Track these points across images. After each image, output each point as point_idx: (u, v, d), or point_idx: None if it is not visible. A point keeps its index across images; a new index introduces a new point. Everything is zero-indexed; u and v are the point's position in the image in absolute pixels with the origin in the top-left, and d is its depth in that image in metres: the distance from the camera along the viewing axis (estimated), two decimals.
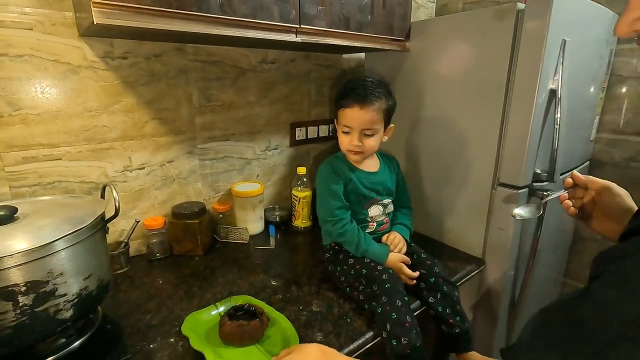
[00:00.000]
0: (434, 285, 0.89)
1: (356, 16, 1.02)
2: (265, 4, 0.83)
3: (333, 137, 1.51)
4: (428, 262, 0.92)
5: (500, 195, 1.02)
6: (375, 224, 1.00)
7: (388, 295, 0.80)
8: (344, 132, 0.93)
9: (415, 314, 0.84)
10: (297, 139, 1.40)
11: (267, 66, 1.25)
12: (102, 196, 0.74)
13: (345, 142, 0.93)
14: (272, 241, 1.20)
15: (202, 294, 0.90)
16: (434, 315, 0.88)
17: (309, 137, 1.44)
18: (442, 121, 1.13)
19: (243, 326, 0.71)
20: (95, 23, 0.64)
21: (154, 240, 1.07)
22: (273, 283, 0.96)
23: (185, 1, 0.72)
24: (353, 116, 0.89)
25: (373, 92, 0.90)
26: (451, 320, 0.85)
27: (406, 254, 0.95)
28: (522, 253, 1.08)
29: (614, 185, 0.68)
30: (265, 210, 1.35)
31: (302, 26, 0.91)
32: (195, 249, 1.10)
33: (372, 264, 0.89)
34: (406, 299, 0.81)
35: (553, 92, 0.94)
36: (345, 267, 0.92)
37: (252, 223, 1.24)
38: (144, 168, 1.07)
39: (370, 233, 0.99)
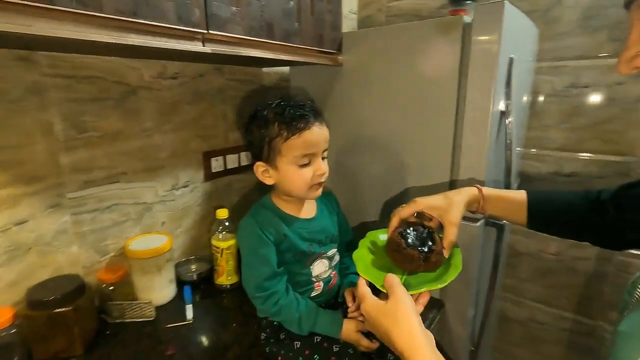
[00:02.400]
0: None
1: (281, 23, 0.81)
2: None
3: None
4: None
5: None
6: (322, 283, 0.79)
7: None
8: (302, 166, 0.70)
9: None
10: (213, 171, 1.13)
11: (167, 82, 0.97)
12: None
13: (308, 175, 0.70)
14: (189, 312, 0.91)
15: None
16: None
17: (228, 167, 1.18)
18: (384, 144, 0.99)
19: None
20: None
21: None
22: None
23: None
24: (314, 138, 0.69)
25: (313, 105, 0.72)
26: None
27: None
28: (481, 286, 0.99)
29: (423, 204, 0.70)
30: (177, 266, 1.05)
31: (210, 32, 0.67)
32: (70, 347, 0.75)
33: (325, 345, 0.69)
34: None
35: (503, 113, 0.86)
36: (290, 354, 0.69)
37: (159, 290, 0.93)
38: None
39: (316, 297, 0.78)
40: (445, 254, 0.64)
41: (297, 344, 0.70)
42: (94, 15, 0.51)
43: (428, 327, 0.87)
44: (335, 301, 0.83)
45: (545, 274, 1.38)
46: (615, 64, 0.45)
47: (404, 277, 0.62)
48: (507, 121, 0.86)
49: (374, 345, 0.71)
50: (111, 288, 0.88)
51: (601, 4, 1.10)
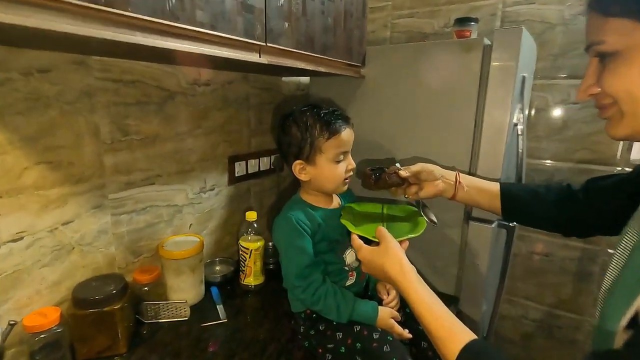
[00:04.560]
0: None
1: (321, 37, 0.87)
2: (228, 13, 0.62)
3: (274, 170, 1.31)
4: None
5: (473, 231, 0.99)
6: (355, 273, 0.85)
7: None
8: (337, 162, 0.80)
9: None
10: (236, 175, 1.17)
11: (201, 89, 1.00)
12: None
13: (341, 170, 0.81)
14: (221, 312, 0.93)
15: None
16: None
17: (249, 171, 1.21)
18: (401, 152, 1.07)
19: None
20: None
21: (41, 346, 0.70)
22: None
23: None
24: (348, 138, 0.81)
25: (342, 112, 0.84)
26: None
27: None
28: (491, 283, 1.08)
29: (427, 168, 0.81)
30: None
31: (268, 44, 0.72)
32: (113, 346, 0.76)
33: (365, 333, 0.74)
34: None
35: (515, 124, 0.96)
36: (331, 345, 0.74)
37: (191, 291, 0.94)
38: (21, 238, 0.70)
39: (350, 287, 0.84)
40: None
41: (339, 334, 0.74)
42: (182, 28, 0.55)
43: None
44: (365, 294, 0.88)
45: (537, 273, 1.50)
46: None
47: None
48: (519, 130, 0.96)
49: (407, 333, 0.77)
50: (145, 289, 0.89)
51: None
